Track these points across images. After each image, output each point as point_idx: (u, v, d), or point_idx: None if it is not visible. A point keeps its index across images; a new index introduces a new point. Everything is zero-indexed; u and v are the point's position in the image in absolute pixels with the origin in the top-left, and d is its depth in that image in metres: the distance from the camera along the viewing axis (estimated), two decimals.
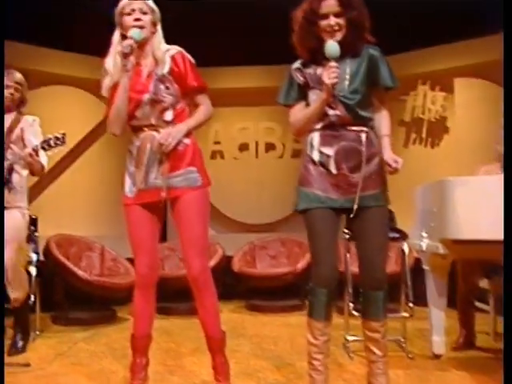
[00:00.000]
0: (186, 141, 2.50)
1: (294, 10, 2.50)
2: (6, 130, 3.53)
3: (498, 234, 2.67)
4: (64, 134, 3.06)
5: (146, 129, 2.51)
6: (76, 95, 5.99)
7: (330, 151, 2.41)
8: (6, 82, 3.61)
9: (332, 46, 2.33)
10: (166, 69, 2.48)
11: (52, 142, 3.06)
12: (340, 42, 2.36)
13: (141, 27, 2.43)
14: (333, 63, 2.32)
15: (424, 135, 6.11)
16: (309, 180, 2.45)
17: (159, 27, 2.58)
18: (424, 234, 3.30)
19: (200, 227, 2.51)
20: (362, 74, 2.44)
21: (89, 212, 6.01)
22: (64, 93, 5.88)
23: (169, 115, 2.50)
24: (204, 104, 2.57)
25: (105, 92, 2.58)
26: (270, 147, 6.72)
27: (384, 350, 2.47)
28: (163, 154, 2.44)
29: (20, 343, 3.57)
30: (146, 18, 2.47)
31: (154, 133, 2.47)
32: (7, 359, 3.29)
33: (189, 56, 2.55)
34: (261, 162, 6.69)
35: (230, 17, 5.47)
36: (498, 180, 3.05)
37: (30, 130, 3.58)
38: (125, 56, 2.40)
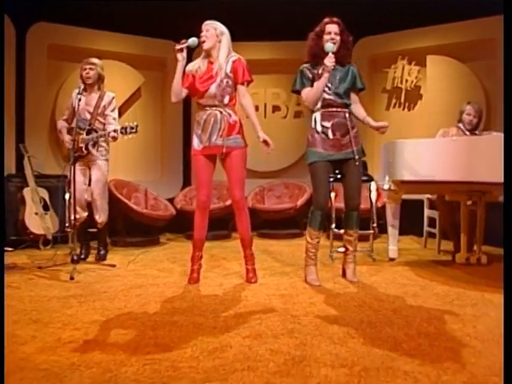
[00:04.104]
0: (235, 118, 3.69)
1: None
2: (93, 105, 4.65)
3: (430, 176, 4.07)
4: (137, 125, 4.18)
5: (211, 107, 3.64)
6: (117, 67, 6.89)
7: (328, 124, 3.68)
8: (83, 66, 4.68)
9: (330, 45, 3.59)
10: (228, 69, 3.66)
11: (128, 130, 4.19)
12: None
13: (200, 38, 3.64)
14: (331, 54, 3.56)
15: (402, 101, 7.04)
16: (315, 143, 3.70)
17: (225, 40, 3.64)
18: (386, 178, 4.61)
19: (242, 172, 3.72)
20: (348, 79, 3.71)
21: (128, 162, 7.03)
22: (107, 65, 6.66)
23: (226, 99, 3.66)
24: (245, 96, 3.66)
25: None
26: (276, 109, 7.59)
27: (354, 247, 3.85)
28: (222, 125, 3.61)
29: (102, 252, 4.88)
30: (208, 34, 3.64)
31: (217, 111, 3.63)
32: (98, 263, 4.64)
33: (243, 60, 3.68)
34: (268, 121, 7.37)
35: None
36: (427, 142, 4.42)
37: (110, 106, 4.71)
38: (177, 51, 3.60)
